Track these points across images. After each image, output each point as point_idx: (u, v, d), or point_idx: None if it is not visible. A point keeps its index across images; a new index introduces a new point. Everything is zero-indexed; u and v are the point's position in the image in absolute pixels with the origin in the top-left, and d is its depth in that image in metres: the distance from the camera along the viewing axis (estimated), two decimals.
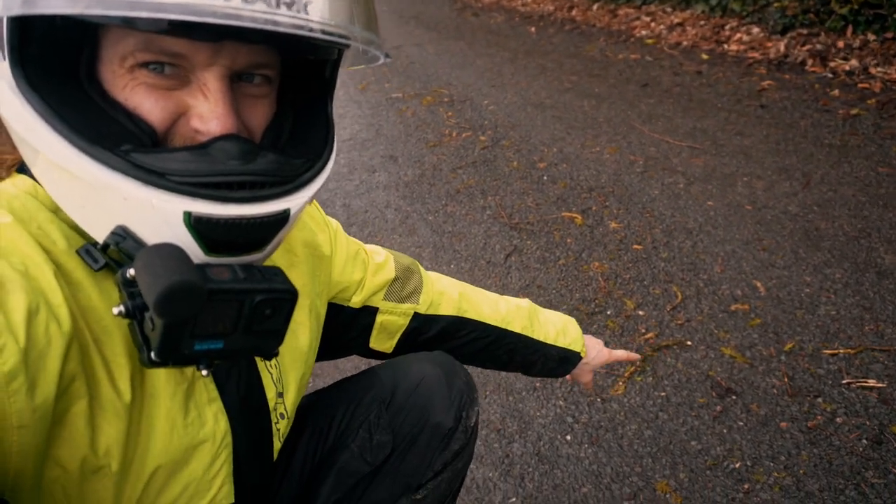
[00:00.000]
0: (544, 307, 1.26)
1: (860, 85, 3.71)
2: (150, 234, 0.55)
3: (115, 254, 0.57)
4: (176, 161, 0.54)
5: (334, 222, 1.00)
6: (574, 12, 6.82)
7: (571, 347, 1.20)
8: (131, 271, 0.52)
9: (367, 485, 0.94)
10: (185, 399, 0.67)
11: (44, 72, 0.54)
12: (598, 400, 1.86)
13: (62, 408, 0.55)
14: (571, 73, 4.91)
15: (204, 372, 0.59)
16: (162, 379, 0.65)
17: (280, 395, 0.82)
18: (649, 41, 5.31)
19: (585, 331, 2.12)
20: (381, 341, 1.07)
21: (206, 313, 0.55)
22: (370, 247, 1.07)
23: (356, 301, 1.01)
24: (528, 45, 6.00)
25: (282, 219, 0.58)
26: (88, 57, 0.57)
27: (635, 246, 2.55)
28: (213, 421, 0.70)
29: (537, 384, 1.96)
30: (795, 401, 1.75)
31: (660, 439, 1.70)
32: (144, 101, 0.57)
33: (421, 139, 4.13)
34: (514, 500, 1.61)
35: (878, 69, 3.77)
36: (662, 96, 4.08)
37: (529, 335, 1.16)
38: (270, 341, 0.62)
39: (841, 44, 4.10)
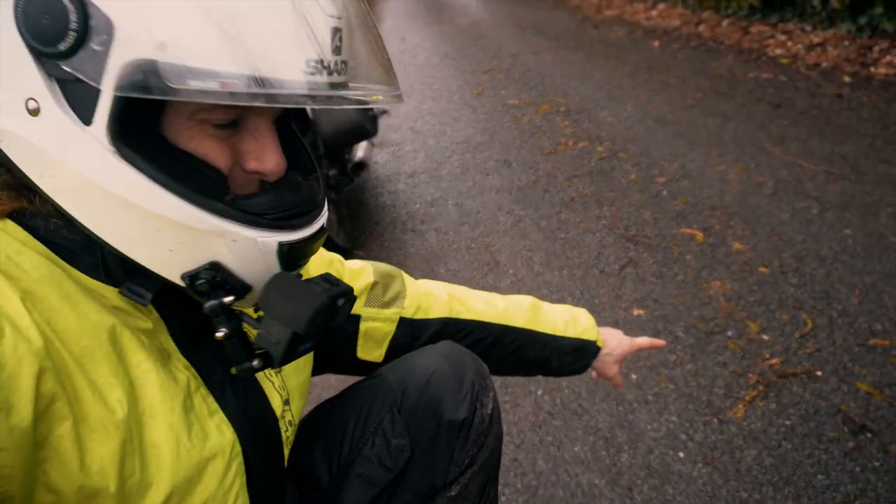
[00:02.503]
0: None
1: None
2: (243, 264, 0.63)
3: (204, 286, 0.63)
4: (264, 204, 0.64)
5: None
6: (701, 28, 6.60)
7: (585, 336, 1.14)
8: (229, 298, 0.63)
9: (391, 492, 0.91)
10: (185, 413, 0.67)
11: (131, 131, 0.57)
12: (715, 420, 1.79)
13: (44, 430, 0.55)
14: (696, 89, 4.75)
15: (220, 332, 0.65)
16: (157, 396, 0.65)
17: (286, 402, 0.83)
18: (784, 61, 5.04)
19: (703, 349, 2.06)
20: (369, 350, 1.04)
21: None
22: (348, 260, 1.05)
23: None
24: (650, 60, 5.87)
25: (324, 230, 0.69)
26: (155, 111, 0.60)
27: (762, 269, 2.44)
28: (218, 433, 0.70)
29: (649, 397, 1.91)
30: None
31: (782, 469, 1.62)
32: (211, 150, 0.63)
33: (536, 146, 4.14)
34: None
35: None
36: (797, 118, 3.87)
37: (534, 329, 1.11)
38: (332, 336, 0.71)
39: None
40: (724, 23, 6.42)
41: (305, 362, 0.90)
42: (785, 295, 2.27)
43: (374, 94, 0.65)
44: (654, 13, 7.77)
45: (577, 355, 1.15)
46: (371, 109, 3.04)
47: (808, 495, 1.54)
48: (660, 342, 1.22)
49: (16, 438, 0.51)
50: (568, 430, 1.84)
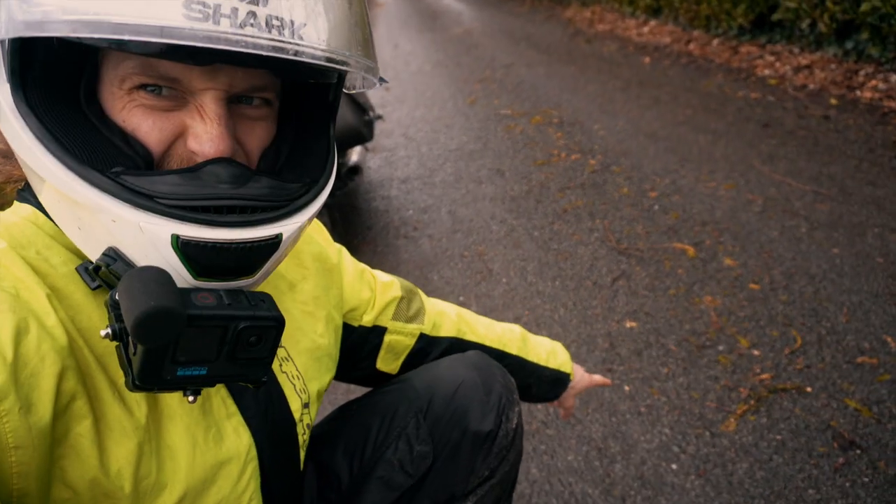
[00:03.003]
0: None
1: None
2: (140, 256, 0.55)
3: (107, 275, 0.56)
4: (165, 184, 0.54)
5: (337, 244, 1.00)
6: (692, 46, 6.70)
7: (562, 369, 1.20)
8: (118, 293, 0.51)
9: (410, 497, 0.92)
10: (203, 414, 0.66)
11: (44, 94, 0.55)
12: (707, 433, 1.81)
13: (63, 428, 0.55)
14: (686, 106, 4.82)
15: (190, 398, 0.58)
16: (175, 398, 0.64)
17: (306, 405, 0.82)
18: (772, 81, 5.13)
19: (694, 363, 2.08)
20: (388, 362, 1.05)
21: (188, 339, 0.54)
22: (374, 271, 1.07)
23: (367, 320, 1.00)
24: (641, 76, 5.94)
25: (273, 244, 0.58)
26: (89, 78, 0.58)
27: (752, 285, 2.47)
28: (235, 436, 0.69)
29: (642, 409, 1.93)
30: None
31: (773, 482, 1.64)
32: (142, 122, 0.57)
33: (529, 156, 4.17)
34: None
35: None
36: (785, 137, 3.94)
37: (525, 357, 1.16)
38: (256, 369, 0.60)
39: None
40: (714, 42, 6.52)
41: (329, 368, 0.89)
42: (775, 311, 2.30)
43: (327, 62, 0.54)
44: (645, 29, 7.88)
45: (554, 385, 1.21)
46: (367, 113, 3.04)
47: None
48: (607, 381, 1.31)
49: (34, 437, 0.51)
50: (561, 439, 1.85)
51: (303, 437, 0.82)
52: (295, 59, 0.51)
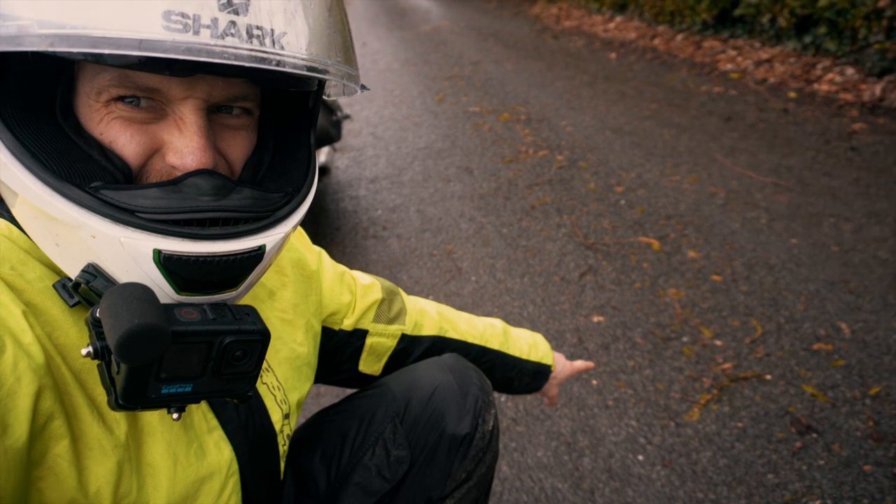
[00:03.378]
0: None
1: None
2: (121, 272, 0.53)
3: (86, 292, 0.55)
4: (146, 198, 0.53)
5: (317, 248, 1.00)
6: (656, 41, 6.79)
7: (544, 361, 1.22)
8: (99, 311, 0.50)
9: (388, 502, 0.92)
10: (184, 430, 0.65)
11: (18, 107, 0.53)
12: (672, 424, 1.85)
13: (41, 449, 0.53)
14: (652, 101, 4.89)
15: (174, 416, 0.57)
16: (155, 414, 0.62)
17: (287, 416, 0.82)
18: (734, 75, 5.24)
19: (660, 355, 2.13)
20: (370, 363, 1.06)
21: (173, 356, 0.53)
22: (352, 272, 1.07)
23: (348, 324, 1.00)
24: (607, 71, 6.01)
25: (256, 256, 0.57)
26: (65, 91, 0.56)
27: (714, 276, 2.53)
28: (216, 450, 0.68)
29: (609, 402, 1.97)
30: (881, 445, 1.70)
31: (735, 469, 1.68)
32: (119, 135, 0.56)
33: (497, 154, 4.19)
34: None
35: None
36: (746, 131, 4.03)
37: (506, 351, 1.17)
38: (242, 384, 0.59)
39: None
40: (679, 37, 6.63)
41: (308, 377, 0.89)
42: (736, 302, 2.36)
43: (306, 70, 0.52)
44: (611, 25, 7.97)
45: (536, 377, 1.23)
46: (334, 113, 3.03)
47: (760, 494, 1.61)
48: (590, 364, 1.32)
49: (10, 459, 0.50)
50: (531, 435, 1.87)
51: (283, 447, 0.82)
52: (277, 69, 0.51)
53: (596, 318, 2.36)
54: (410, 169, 4.09)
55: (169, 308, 0.54)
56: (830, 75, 4.65)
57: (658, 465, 1.73)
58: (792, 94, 4.60)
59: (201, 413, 0.69)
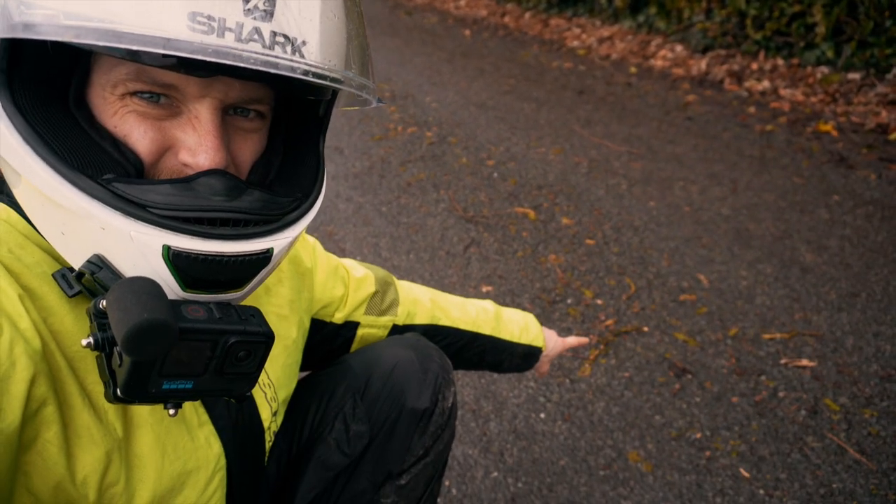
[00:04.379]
0: (507, 296, 1.32)
1: (772, 104, 4.10)
2: (128, 266, 0.53)
3: (90, 283, 0.55)
4: (158, 193, 0.53)
5: (312, 239, 1.00)
6: (507, 19, 7.03)
7: (534, 343, 1.27)
8: (104, 302, 0.51)
9: (347, 477, 0.93)
10: (175, 424, 0.66)
11: (32, 95, 0.53)
12: (567, 381, 1.97)
13: (31, 434, 0.53)
14: (509, 76, 5.07)
15: (171, 411, 0.57)
16: (146, 406, 0.62)
17: (275, 413, 0.82)
18: (581, 52, 5.58)
19: (548, 318, 2.24)
20: None
21: (177, 353, 0.53)
22: (346, 261, 1.08)
23: (339, 317, 1.02)
24: (464, 48, 6.13)
25: (264, 258, 0.57)
26: (79, 81, 0.56)
27: (588, 241, 2.71)
28: (206, 445, 0.68)
29: None
30: (743, 378, 1.94)
31: (627, 415, 1.83)
32: (134, 130, 0.56)
33: (366, 132, 4.14)
34: (495, 474, 1.69)
35: (787, 90, 4.17)
36: (598, 104, 4.32)
37: (497, 336, 1.21)
38: (242, 384, 0.60)
39: (755, 66, 4.50)
40: (527, 15, 6.91)
41: (295, 374, 0.88)
42: (610, 263, 2.55)
43: (321, 79, 0.53)
44: (461, 2, 8.11)
45: (526, 359, 1.26)
46: None
47: (650, 434, 1.77)
48: (585, 339, 1.37)
49: (1, 443, 0.50)
50: None
51: (269, 444, 0.82)
52: (297, 76, 0.51)
53: (485, 289, 2.43)
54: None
55: (176, 304, 0.54)
56: (663, 52, 5.11)
57: (559, 420, 1.83)
58: (633, 70, 4.99)
59: (192, 408, 0.68)
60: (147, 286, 0.49)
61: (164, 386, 0.54)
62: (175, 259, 0.52)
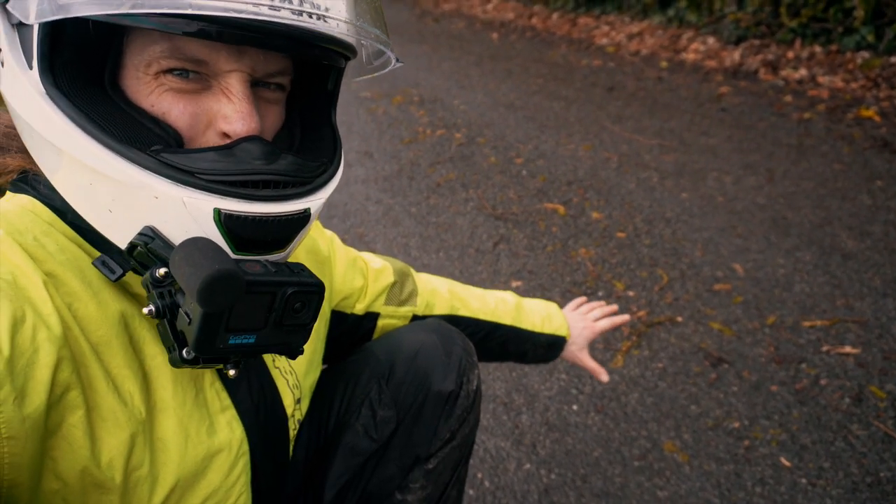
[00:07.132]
0: (537, 291, 1.29)
1: (810, 92, 3.99)
2: (180, 233, 0.55)
3: (142, 255, 0.56)
4: (205, 160, 0.56)
5: (329, 232, 1.01)
6: (534, 20, 7.02)
7: (558, 333, 1.24)
8: (161, 270, 0.54)
9: (375, 462, 0.93)
10: (197, 407, 0.67)
11: (72, 79, 0.56)
12: None
13: (56, 419, 0.54)
14: (537, 76, 5.06)
15: (231, 371, 0.60)
16: (169, 390, 0.64)
17: (298, 401, 0.83)
18: (610, 49, 5.53)
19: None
20: None
21: (241, 306, 0.56)
22: (364, 254, 1.08)
23: (360, 308, 1.02)
24: (491, 51, 6.14)
25: (304, 217, 0.60)
26: (112, 65, 0.58)
27: (619, 234, 2.67)
28: (228, 429, 0.69)
29: None
30: (782, 367, 1.88)
31: (661, 405, 1.80)
32: (172, 106, 0.58)
33: (395, 136, 4.17)
34: (528, 466, 1.67)
35: (825, 77, 4.06)
36: (628, 99, 4.27)
37: (518, 326, 1.19)
38: (298, 336, 0.62)
39: (791, 55, 4.39)
40: (554, 16, 6.89)
41: (318, 363, 0.89)
42: (641, 255, 2.51)
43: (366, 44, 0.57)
44: (489, 6, 8.14)
45: (550, 349, 1.24)
46: None
47: (686, 424, 1.73)
48: (619, 319, 1.30)
49: (27, 427, 0.50)
50: None
51: (293, 432, 0.82)
52: (330, 34, 0.54)
53: (515, 284, 2.42)
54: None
55: (237, 262, 0.55)
56: (695, 45, 5.03)
57: (592, 411, 1.81)
58: (664, 64, 4.92)
59: (214, 391, 0.69)
60: (210, 244, 0.52)
61: (231, 341, 0.56)
62: (227, 221, 0.55)
